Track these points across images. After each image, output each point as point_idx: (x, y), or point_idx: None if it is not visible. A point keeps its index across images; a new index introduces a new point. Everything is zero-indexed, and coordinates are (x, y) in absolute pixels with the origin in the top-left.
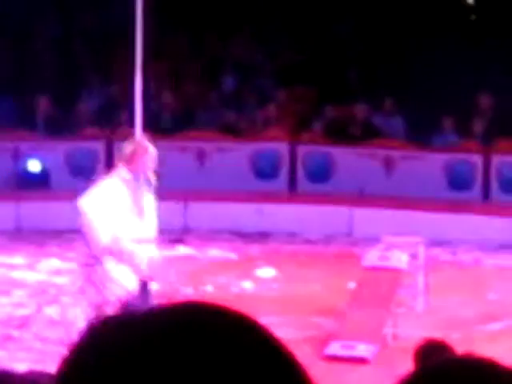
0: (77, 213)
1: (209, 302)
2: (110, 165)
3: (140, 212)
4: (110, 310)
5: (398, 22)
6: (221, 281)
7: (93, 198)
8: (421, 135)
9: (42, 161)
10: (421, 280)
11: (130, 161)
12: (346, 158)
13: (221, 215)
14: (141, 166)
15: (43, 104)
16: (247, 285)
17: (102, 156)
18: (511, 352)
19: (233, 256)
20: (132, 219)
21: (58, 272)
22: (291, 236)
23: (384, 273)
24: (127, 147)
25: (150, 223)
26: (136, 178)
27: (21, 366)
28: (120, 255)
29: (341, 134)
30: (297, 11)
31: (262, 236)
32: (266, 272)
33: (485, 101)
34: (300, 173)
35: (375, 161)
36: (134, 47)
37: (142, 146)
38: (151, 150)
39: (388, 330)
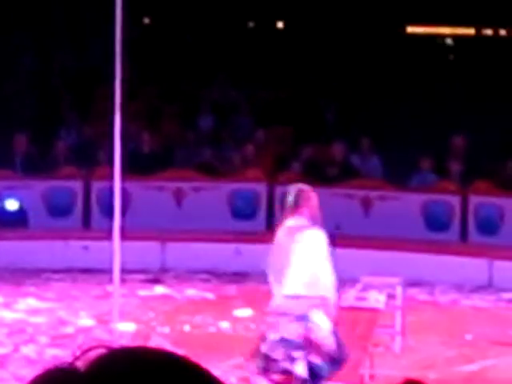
0: (53, 252)
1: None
2: (88, 204)
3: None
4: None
5: (374, 61)
6: (198, 320)
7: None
8: (398, 175)
9: (20, 200)
10: (398, 320)
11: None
12: (324, 198)
13: (198, 255)
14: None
15: (21, 142)
16: (224, 325)
17: (79, 195)
18: None
19: (210, 296)
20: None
21: (35, 311)
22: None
23: (361, 313)
24: (297, 194)
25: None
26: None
27: None
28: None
29: (318, 174)
30: (274, 51)
31: (240, 276)
32: (243, 312)
33: (458, 141)
34: (278, 213)
35: (353, 201)
36: (113, 87)
37: (308, 191)
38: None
39: (365, 371)
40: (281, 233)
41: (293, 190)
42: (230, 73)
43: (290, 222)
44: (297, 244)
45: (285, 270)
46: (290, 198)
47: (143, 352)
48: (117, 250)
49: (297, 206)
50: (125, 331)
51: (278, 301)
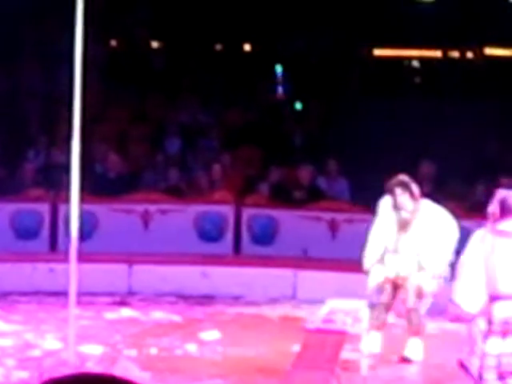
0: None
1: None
2: (55, 227)
3: None
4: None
5: (340, 84)
6: (165, 343)
7: None
8: (366, 198)
9: None
10: (365, 342)
11: None
12: (291, 221)
13: (165, 278)
14: None
15: None
16: (191, 347)
17: (46, 218)
18: None
19: (177, 318)
20: None
21: (1, 334)
22: (235, 299)
23: (328, 335)
24: None
25: None
26: None
27: None
28: None
29: (286, 196)
30: (242, 75)
31: (207, 299)
32: (210, 335)
33: (427, 166)
34: (245, 236)
35: (320, 223)
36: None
37: None
38: None
39: None
40: None
41: None
42: (197, 95)
43: None
44: None
45: None
46: None
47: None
48: (73, 273)
49: None
50: (91, 354)
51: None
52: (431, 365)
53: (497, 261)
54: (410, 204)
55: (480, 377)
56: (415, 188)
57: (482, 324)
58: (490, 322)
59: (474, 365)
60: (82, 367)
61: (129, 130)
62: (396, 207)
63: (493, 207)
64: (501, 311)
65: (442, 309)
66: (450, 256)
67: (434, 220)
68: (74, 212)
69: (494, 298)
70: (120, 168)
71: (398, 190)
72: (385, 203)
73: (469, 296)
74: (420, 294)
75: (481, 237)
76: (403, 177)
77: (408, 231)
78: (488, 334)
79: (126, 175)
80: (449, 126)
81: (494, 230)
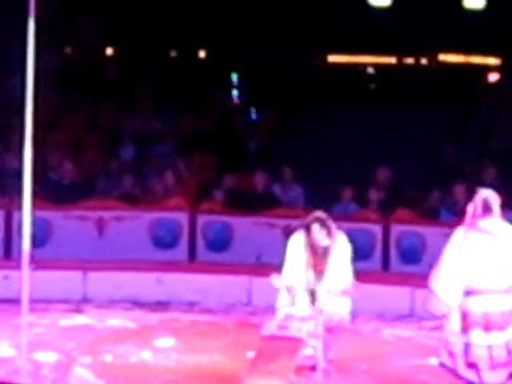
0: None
1: None
2: (9, 234)
3: None
4: None
5: (296, 92)
6: (119, 350)
7: None
8: (320, 205)
9: None
10: (319, 349)
11: None
12: (246, 228)
13: (120, 284)
14: None
15: None
16: (146, 354)
17: (1, 225)
18: None
19: (132, 325)
20: None
21: None
22: (190, 305)
23: (283, 342)
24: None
25: None
26: None
27: None
28: None
29: (240, 203)
30: (197, 81)
31: (162, 305)
32: (165, 341)
33: (383, 172)
34: (200, 242)
35: (274, 230)
36: (34, 116)
37: None
38: None
39: None
40: None
41: None
42: (152, 102)
43: None
44: None
45: None
46: None
47: None
48: (25, 280)
49: None
50: (45, 361)
51: None
52: (386, 371)
53: (476, 257)
54: (326, 241)
55: (468, 366)
56: (332, 225)
57: (454, 323)
58: (465, 316)
59: (450, 360)
60: (36, 374)
61: (83, 138)
62: (311, 243)
63: (474, 205)
64: (478, 305)
65: (397, 315)
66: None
67: (343, 252)
68: (26, 218)
69: (471, 292)
70: (74, 175)
71: (316, 227)
72: (296, 240)
73: (449, 289)
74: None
75: (462, 234)
76: (320, 213)
77: (322, 267)
78: (467, 326)
79: (80, 182)
80: (404, 132)
81: (475, 227)
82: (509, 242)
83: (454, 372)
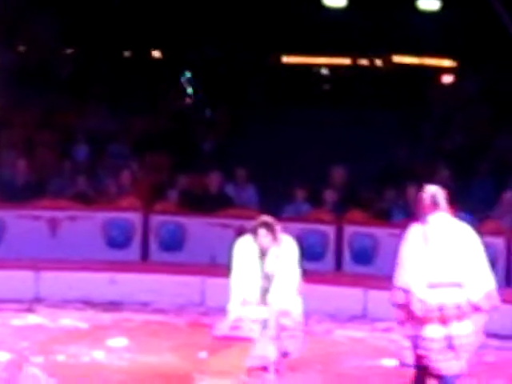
0: None
1: None
2: None
3: None
4: None
5: (251, 92)
6: (72, 350)
7: None
8: (274, 205)
9: None
10: (272, 350)
11: None
12: (199, 228)
13: (72, 284)
14: None
15: None
16: (98, 354)
17: None
18: None
19: (84, 325)
20: None
21: None
22: (143, 305)
23: (235, 342)
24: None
25: None
26: None
27: None
28: None
29: (194, 203)
30: (151, 81)
31: (114, 305)
32: (118, 341)
33: (338, 173)
34: (153, 242)
35: (228, 230)
36: None
37: None
38: None
39: None
40: None
41: None
42: (106, 102)
43: None
44: None
45: None
46: None
47: None
48: None
49: None
50: None
51: None
52: (338, 372)
53: (430, 251)
54: (272, 245)
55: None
56: (278, 229)
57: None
58: (425, 310)
59: (408, 357)
60: None
61: (36, 137)
62: (256, 246)
63: (423, 202)
64: (434, 298)
65: (350, 316)
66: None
67: (289, 254)
68: None
69: (428, 286)
70: (27, 174)
71: (262, 231)
72: (244, 243)
73: (413, 282)
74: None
75: (415, 230)
76: (267, 218)
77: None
78: (425, 321)
79: (33, 182)
80: (358, 133)
81: (426, 222)
82: (457, 235)
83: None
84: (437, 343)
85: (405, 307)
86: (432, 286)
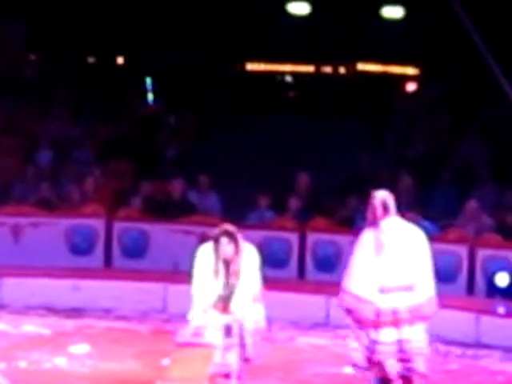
0: None
1: None
2: None
3: None
4: None
5: (214, 99)
6: (34, 357)
7: None
8: (237, 212)
9: None
10: (234, 357)
11: None
12: (162, 235)
13: (35, 291)
14: None
15: None
16: (60, 361)
17: None
18: None
19: (46, 332)
20: None
21: None
22: (106, 312)
23: (197, 349)
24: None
25: None
26: None
27: None
28: None
29: (157, 210)
30: (115, 87)
31: (77, 312)
32: (80, 348)
33: (302, 179)
34: (116, 249)
35: (191, 237)
36: None
37: None
38: None
39: None
40: None
41: None
42: (69, 108)
43: None
44: None
45: None
46: None
47: None
48: None
49: None
50: None
51: None
52: (300, 379)
53: (382, 256)
54: (234, 254)
55: (377, 364)
56: (240, 238)
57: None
58: (378, 315)
59: (359, 358)
60: None
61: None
62: (220, 255)
63: (374, 207)
64: (387, 302)
65: (312, 324)
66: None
67: (251, 262)
68: None
69: (380, 290)
70: None
71: (224, 240)
72: (205, 251)
73: (363, 287)
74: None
75: (368, 235)
76: (229, 226)
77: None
78: (378, 325)
79: None
80: (322, 140)
81: (378, 228)
82: (409, 239)
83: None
84: (389, 347)
85: (352, 312)
86: (385, 290)
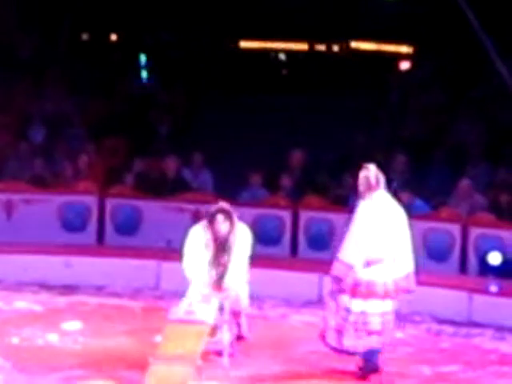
0: None
1: None
2: None
3: None
4: None
5: (208, 75)
6: (26, 333)
7: None
8: (229, 190)
9: None
10: (226, 334)
11: None
12: (155, 212)
13: (28, 267)
14: None
15: None
16: (53, 337)
17: None
18: None
19: (39, 308)
20: None
21: None
22: (98, 289)
23: (190, 327)
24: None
25: None
26: None
27: None
28: None
29: (151, 187)
30: (108, 64)
31: (69, 289)
32: (72, 325)
33: (296, 157)
34: (108, 226)
35: (184, 214)
36: None
37: None
38: None
39: None
40: None
41: None
42: (63, 84)
43: None
44: None
45: None
46: None
47: None
48: None
49: None
50: None
51: None
52: (292, 357)
53: (372, 228)
54: (228, 232)
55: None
56: (235, 216)
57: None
58: (356, 284)
59: (330, 336)
60: None
61: None
62: (214, 234)
63: (368, 179)
64: (367, 274)
65: (305, 301)
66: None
67: (244, 241)
68: None
69: (368, 261)
70: None
71: (220, 217)
72: (197, 232)
73: (355, 256)
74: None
75: (364, 206)
76: (225, 204)
77: (224, 258)
78: (354, 294)
79: None
80: (316, 118)
81: (371, 200)
82: (394, 213)
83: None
84: (356, 317)
85: (341, 280)
86: (368, 262)
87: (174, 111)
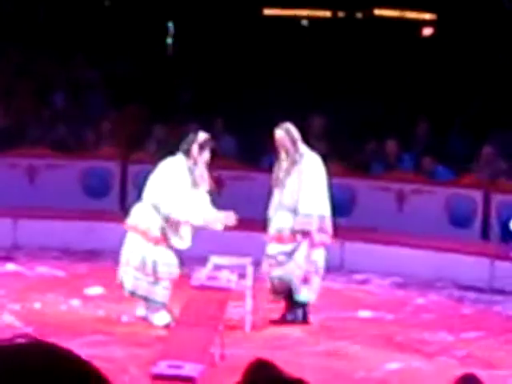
0: None
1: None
2: None
3: None
4: None
5: (231, 43)
6: (49, 298)
7: None
8: (251, 155)
9: None
10: (248, 300)
11: None
12: None
13: (50, 233)
14: None
15: None
16: (75, 302)
17: None
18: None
19: (61, 274)
20: None
21: None
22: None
23: (212, 293)
24: None
25: None
26: None
27: None
28: None
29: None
30: (132, 30)
31: (91, 254)
32: (94, 290)
33: (317, 123)
34: (131, 192)
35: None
36: None
37: None
38: None
39: (215, 350)
40: None
41: None
42: (84, 51)
43: None
44: None
45: None
46: None
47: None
48: None
49: None
50: None
51: None
52: (314, 322)
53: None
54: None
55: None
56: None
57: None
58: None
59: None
60: None
61: (14, 84)
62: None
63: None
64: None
65: (326, 268)
66: None
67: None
68: None
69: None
70: (5, 121)
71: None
72: (180, 162)
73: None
74: None
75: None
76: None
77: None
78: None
79: (11, 129)
80: (338, 85)
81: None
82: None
83: None
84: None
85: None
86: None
87: (195, 78)
